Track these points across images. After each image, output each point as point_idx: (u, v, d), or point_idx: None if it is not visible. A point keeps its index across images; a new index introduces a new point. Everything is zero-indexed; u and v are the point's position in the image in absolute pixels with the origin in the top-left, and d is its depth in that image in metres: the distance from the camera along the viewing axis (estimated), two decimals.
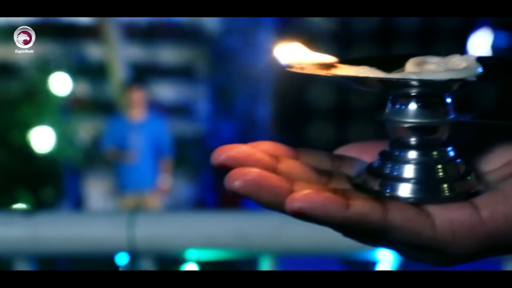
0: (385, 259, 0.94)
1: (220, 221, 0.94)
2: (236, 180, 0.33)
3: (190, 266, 1.03)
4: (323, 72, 0.36)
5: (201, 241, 0.94)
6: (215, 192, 3.61)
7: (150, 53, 4.04)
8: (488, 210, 0.33)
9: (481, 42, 3.75)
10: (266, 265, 0.96)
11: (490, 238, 0.33)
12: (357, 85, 0.37)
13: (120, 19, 3.64)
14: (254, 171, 0.33)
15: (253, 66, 3.74)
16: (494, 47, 3.71)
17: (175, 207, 3.51)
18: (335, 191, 0.34)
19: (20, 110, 3.28)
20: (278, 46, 0.37)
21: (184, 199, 3.63)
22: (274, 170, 0.35)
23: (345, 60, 0.37)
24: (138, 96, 3.01)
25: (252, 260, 1.01)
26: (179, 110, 3.94)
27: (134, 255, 0.99)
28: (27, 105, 3.32)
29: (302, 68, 0.36)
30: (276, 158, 0.37)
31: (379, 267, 0.95)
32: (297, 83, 3.75)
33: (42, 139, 3.25)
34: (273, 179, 0.33)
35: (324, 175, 0.38)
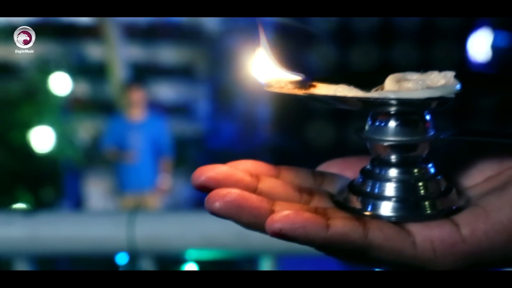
0: None
1: (220, 221, 0.94)
2: (216, 201, 0.33)
3: (190, 266, 1.03)
4: (301, 92, 0.36)
5: (201, 241, 0.94)
6: None
7: (150, 53, 4.04)
8: (469, 227, 0.33)
9: (481, 42, 3.75)
10: (266, 265, 0.96)
11: (472, 255, 0.33)
12: (336, 103, 0.37)
13: (120, 19, 3.63)
14: (234, 192, 0.33)
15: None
16: (494, 47, 3.71)
17: (175, 207, 3.50)
18: (315, 210, 0.34)
19: (20, 110, 3.28)
20: (253, 63, 0.37)
21: (184, 199, 3.62)
22: (254, 190, 0.35)
23: (324, 78, 0.37)
24: (138, 96, 3.01)
25: (252, 260, 1.01)
26: (179, 110, 3.93)
27: (134, 255, 0.99)
28: (27, 105, 3.31)
29: (281, 87, 0.36)
30: (257, 177, 0.36)
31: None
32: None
33: (42, 139, 3.25)
34: (253, 200, 0.33)
35: (305, 193, 0.37)
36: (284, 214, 0.32)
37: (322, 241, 0.32)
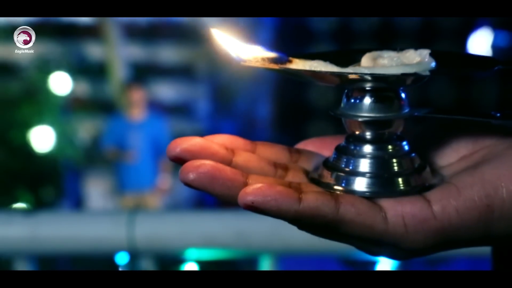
0: (385, 259, 0.94)
1: (220, 221, 0.94)
2: (189, 172, 0.33)
3: (190, 266, 1.03)
4: (277, 67, 0.36)
5: (201, 241, 0.94)
6: None
7: (150, 53, 4.04)
8: (440, 204, 0.33)
9: (481, 42, 3.75)
10: (266, 265, 0.96)
11: (443, 232, 0.33)
12: (311, 79, 0.37)
13: (120, 19, 3.63)
14: (208, 164, 0.33)
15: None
16: (494, 47, 3.71)
17: (175, 207, 3.51)
18: (289, 184, 0.34)
19: (20, 110, 3.28)
20: (228, 40, 0.37)
21: (184, 199, 3.63)
22: (229, 163, 0.35)
23: (300, 54, 0.37)
24: (138, 96, 3.01)
25: (252, 260, 1.01)
26: (179, 110, 3.94)
27: (134, 255, 0.99)
28: (27, 105, 3.32)
29: (257, 62, 0.36)
30: (232, 151, 0.37)
31: (379, 267, 0.95)
32: (297, 82, 3.74)
33: (42, 138, 3.25)
34: (227, 172, 0.33)
35: (280, 169, 0.37)
36: (257, 187, 0.32)
37: (293, 214, 0.32)
